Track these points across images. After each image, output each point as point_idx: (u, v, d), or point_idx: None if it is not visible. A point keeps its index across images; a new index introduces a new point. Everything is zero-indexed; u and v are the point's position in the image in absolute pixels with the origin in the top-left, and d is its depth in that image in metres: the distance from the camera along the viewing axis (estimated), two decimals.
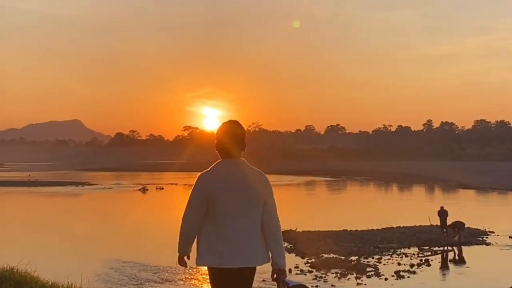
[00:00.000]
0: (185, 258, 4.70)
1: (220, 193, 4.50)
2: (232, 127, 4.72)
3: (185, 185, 79.77)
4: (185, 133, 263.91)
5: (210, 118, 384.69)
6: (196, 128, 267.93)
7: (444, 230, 28.66)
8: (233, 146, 4.65)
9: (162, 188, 72.29)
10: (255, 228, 4.55)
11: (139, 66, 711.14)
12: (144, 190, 67.65)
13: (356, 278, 20.16)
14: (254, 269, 4.57)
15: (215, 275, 4.51)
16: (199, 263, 4.51)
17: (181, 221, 4.63)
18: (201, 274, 20.94)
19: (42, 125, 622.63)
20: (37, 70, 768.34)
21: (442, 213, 29.08)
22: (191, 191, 4.60)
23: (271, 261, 4.56)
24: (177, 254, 4.70)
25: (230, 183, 4.54)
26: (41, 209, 50.13)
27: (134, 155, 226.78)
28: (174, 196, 63.23)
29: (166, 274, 20.85)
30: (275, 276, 4.57)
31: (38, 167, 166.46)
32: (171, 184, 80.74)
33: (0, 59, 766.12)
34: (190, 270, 21.25)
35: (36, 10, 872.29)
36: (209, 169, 4.66)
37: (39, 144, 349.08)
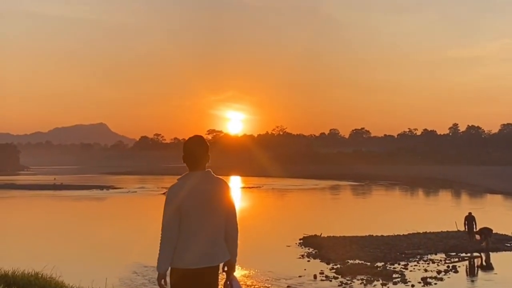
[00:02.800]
0: (162, 281, 4.97)
1: (188, 202, 4.97)
2: (197, 142, 5.22)
3: None
4: (209, 137, 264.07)
5: (234, 122, 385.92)
6: (220, 132, 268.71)
7: (471, 235, 28.24)
8: (199, 159, 5.14)
9: None
10: (219, 232, 5.10)
11: (164, 70, 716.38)
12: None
13: (382, 284, 19.89)
14: (218, 267, 5.05)
15: (185, 275, 4.92)
16: (172, 265, 4.94)
17: (161, 234, 4.97)
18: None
19: (68, 129, 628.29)
20: (63, 75, 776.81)
21: (470, 219, 28.67)
22: (165, 203, 5.00)
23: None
24: (157, 271, 4.93)
25: (197, 192, 5.01)
26: (66, 213, 50.39)
27: (158, 158, 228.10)
28: None
29: None
30: (225, 268, 5.12)
31: (64, 171, 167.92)
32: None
33: (26, 64, 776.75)
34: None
35: (61, 15, 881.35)
36: (177, 180, 5.10)
37: (64, 148, 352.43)
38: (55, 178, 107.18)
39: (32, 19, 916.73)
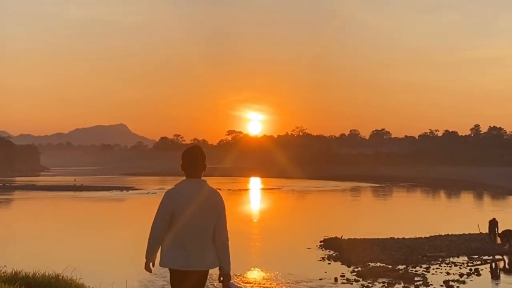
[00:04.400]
0: (151, 265, 5.45)
1: (181, 207, 5.35)
2: (194, 152, 5.67)
3: (229, 190, 79.75)
4: (229, 138, 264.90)
5: (254, 122, 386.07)
6: (240, 132, 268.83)
7: (493, 239, 27.91)
8: (196, 167, 5.57)
9: None
10: (209, 238, 5.41)
11: (184, 70, 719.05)
12: None
13: None
14: (207, 272, 5.49)
15: (175, 275, 5.33)
16: (161, 264, 5.35)
17: (150, 230, 5.39)
18: (246, 282, 20.77)
19: (88, 130, 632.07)
20: (83, 76, 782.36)
21: (493, 224, 28.36)
22: (159, 204, 5.44)
23: (219, 266, 5.45)
24: (144, 261, 5.44)
25: (190, 199, 5.38)
26: (86, 214, 50.61)
27: (178, 159, 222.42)
28: None
29: (210, 279, 20.69)
30: (221, 278, 5.51)
31: (84, 172, 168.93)
32: (215, 189, 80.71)
33: (47, 65, 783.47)
34: (238, 279, 21.09)
35: (81, 16, 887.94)
36: (174, 186, 5.55)
37: (84, 149, 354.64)
38: (75, 179, 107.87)
39: (51, 21, 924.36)
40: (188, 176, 5.58)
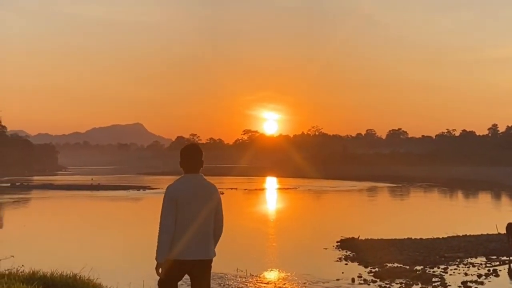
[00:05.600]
0: (160, 270, 5.69)
1: (182, 200, 5.69)
2: (192, 149, 6.08)
3: (245, 190, 79.78)
4: (245, 137, 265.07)
5: (270, 122, 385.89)
6: (256, 132, 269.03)
7: (511, 242, 27.58)
8: (194, 164, 5.95)
9: (222, 193, 71.67)
10: (209, 229, 5.81)
11: (199, 70, 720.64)
12: None
13: None
14: (211, 260, 5.84)
15: (174, 266, 5.62)
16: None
17: (159, 226, 5.68)
18: (262, 282, 20.73)
19: (105, 129, 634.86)
20: (100, 75, 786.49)
21: (511, 227, 28.04)
22: (163, 200, 5.75)
23: None
24: (156, 260, 5.71)
25: (190, 193, 5.75)
26: (104, 213, 50.82)
27: None
28: (234, 201, 63.15)
29: (230, 281, 20.68)
30: None
31: (101, 171, 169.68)
32: (231, 189, 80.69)
33: (63, 64, 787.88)
34: (254, 279, 21.08)
35: (96, 16, 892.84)
36: (174, 181, 5.96)
37: (101, 148, 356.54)
38: (92, 179, 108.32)
39: (69, 21, 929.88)
40: (186, 172, 5.93)
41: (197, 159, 6.00)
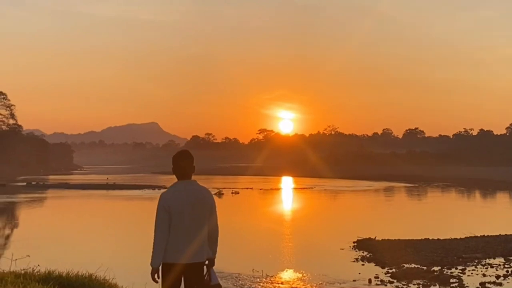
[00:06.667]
0: (156, 276, 5.90)
1: (176, 206, 5.87)
2: (183, 156, 6.20)
3: (260, 189, 79.76)
4: (260, 136, 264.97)
5: (285, 121, 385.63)
6: (271, 131, 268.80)
7: None
8: (186, 170, 6.10)
9: (238, 193, 71.85)
10: (202, 233, 5.96)
11: (215, 69, 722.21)
12: (219, 194, 67.63)
13: None
14: (203, 263, 6.03)
15: (169, 270, 5.84)
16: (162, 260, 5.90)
17: (153, 233, 5.93)
18: (279, 282, 20.63)
19: (120, 128, 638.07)
20: (116, 74, 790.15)
21: None
22: (157, 208, 5.92)
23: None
24: (152, 265, 5.92)
25: (184, 199, 5.92)
26: (119, 213, 50.96)
27: (209, 158, 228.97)
28: (250, 201, 63.21)
29: (246, 281, 20.59)
30: (206, 262, 6.11)
31: (116, 170, 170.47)
32: (247, 188, 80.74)
33: (79, 64, 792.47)
34: (270, 279, 20.99)
35: (115, 15, 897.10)
36: (168, 188, 6.12)
37: (117, 147, 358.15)
38: (107, 178, 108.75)
39: (84, 19, 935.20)
40: (179, 178, 6.11)
41: (189, 165, 6.14)
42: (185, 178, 6.09)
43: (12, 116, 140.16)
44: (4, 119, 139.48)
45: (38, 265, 8.41)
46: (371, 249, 26.80)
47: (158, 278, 5.92)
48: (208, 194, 6.17)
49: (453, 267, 22.89)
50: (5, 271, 7.84)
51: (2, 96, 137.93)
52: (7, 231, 37.45)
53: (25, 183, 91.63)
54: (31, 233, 35.06)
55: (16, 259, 9.07)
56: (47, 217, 46.02)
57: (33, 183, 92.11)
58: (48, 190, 79.61)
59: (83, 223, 41.59)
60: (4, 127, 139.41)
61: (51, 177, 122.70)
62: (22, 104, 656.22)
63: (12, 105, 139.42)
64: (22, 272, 7.84)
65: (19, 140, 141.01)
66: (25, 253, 10.33)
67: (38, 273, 7.87)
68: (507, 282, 20.53)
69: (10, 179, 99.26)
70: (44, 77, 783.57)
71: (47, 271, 7.95)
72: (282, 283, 20.59)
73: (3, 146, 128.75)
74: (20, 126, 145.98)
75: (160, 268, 5.94)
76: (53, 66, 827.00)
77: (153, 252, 5.94)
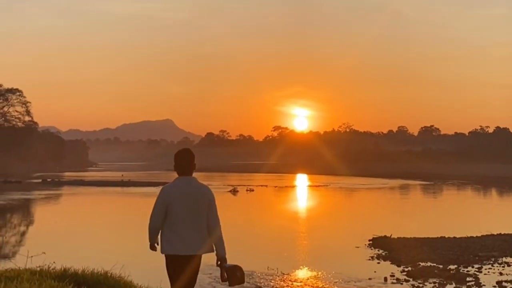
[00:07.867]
0: (155, 245, 6.51)
1: (175, 201, 6.26)
2: (185, 154, 6.59)
3: (275, 187, 79.68)
4: (275, 133, 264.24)
5: (300, 118, 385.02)
6: (286, 128, 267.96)
7: None
8: (186, 167, 6.48)
9: (252, 190, 71.63)
10: (201, 227, 6.25)
11: (229, 66, 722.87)
12: (234, 192, 67.65)
13: None
14: (200, 256, 6.30)
15: (171, 260, 6.23)
16: (162, 251, 6.35)
17: (148, 220, 6.41)
18: (294, 281, 20.58)
19: (135, 125, 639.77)
20: (130, 71, 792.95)
21: None
22: (156, 199, 6.39)
23: (215, 252, 6.36)
24: (149, 244, 6.57)
25: (183, 194, 6.29)
26: (134, 210, 50.99)
27: (224, 155, 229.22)
28: (264, 198, 63.15)
29: (261, 279, 20.54)
30: (218, 262, 6.33)
31: (131, 167, 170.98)
32: (261, 186, 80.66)
33: (94, 61, 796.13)
34: (285, 277, 20.95)
35: (127, 13, 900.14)
36: (169, 183, 6.50)
37: (131, 144, 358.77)
38: (122, 175, 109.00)
39: (98, 17, 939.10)
40: (180, 174, 6.48)
41: (189, 162, 6.51)
42: (185, 174, 6.46)
43: (28, 113, 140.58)
44: (20, 116, 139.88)
45: (54, 262, 8.40)
46: (386, 247, 26.68)
47: (158, 244, 6.51)
48: (207, 189, 6.45)
49: (469, 266, 22.74)
50: (21, 268, 7.83)
51: (18, 93, 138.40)
52: (22, 228, 37.63)
53: (40, 180, 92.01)
54: (46, 230, 35.24)
55: (32, 256, 9.08)
56: (62, 214, 46.21)
57: (48, 180, 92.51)
58: (63, 187, 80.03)
59: (98, 220, 41.75)
60: (20, 124, 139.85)
61: (66, 174, 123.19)
62: (38, 101, 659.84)
63: (28, 102, 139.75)
64: (38, 269, 7.84)
65: (34, 137, 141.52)
66: (41, 250, 10.34)
67: (54, 270, 7.85)
68: None
69: (25, 176, 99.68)
70: (59, 74, 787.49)
71: (62, 268, 7.93)
72: (297, 281, 20.54)
73: (19, 143, 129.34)
74: (35, 123, 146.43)
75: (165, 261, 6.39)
76: (69, 63, 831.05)
77: (148, 238, 6.54)
